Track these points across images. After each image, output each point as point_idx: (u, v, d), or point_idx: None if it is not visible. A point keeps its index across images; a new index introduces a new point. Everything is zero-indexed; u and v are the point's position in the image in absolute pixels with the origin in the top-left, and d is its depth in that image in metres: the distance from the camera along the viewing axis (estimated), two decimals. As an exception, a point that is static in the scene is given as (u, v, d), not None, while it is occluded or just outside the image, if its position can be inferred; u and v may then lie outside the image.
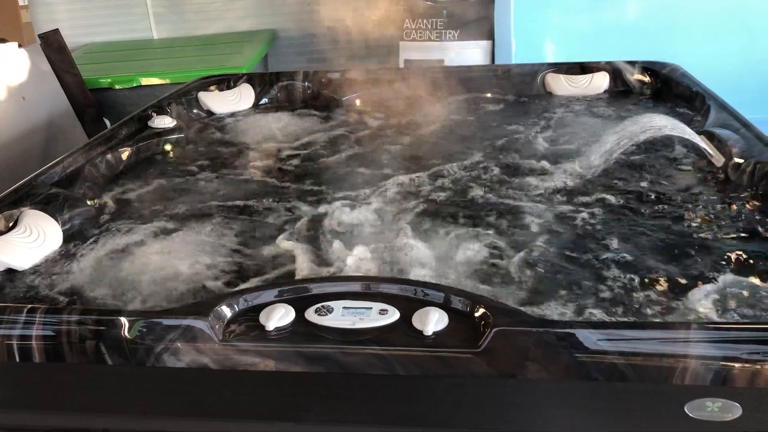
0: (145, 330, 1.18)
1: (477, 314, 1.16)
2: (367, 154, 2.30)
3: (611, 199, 1.79)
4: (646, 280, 1.39)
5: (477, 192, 1.91)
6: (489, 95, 2.87)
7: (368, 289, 1.26)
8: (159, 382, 1.21)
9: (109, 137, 2.34)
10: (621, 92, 2.79)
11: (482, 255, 1.54)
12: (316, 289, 1.27)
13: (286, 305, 1.22)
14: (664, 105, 2.56)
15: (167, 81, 3.63)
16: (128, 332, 1.18)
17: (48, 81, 3.38)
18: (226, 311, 1.22)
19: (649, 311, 1.28)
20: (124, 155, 2.31)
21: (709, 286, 1.32)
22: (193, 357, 1.16)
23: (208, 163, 2.32)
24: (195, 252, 1.64)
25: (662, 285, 1.36)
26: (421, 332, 1.14)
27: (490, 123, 2.56)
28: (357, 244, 1.59)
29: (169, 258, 1.62)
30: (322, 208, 1.86)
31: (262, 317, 1.20)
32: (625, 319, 1.24)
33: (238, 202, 1.95)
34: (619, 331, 1.11)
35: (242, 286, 1.46)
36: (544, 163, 2.08)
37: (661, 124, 2.02)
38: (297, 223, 1.78)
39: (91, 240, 1.76)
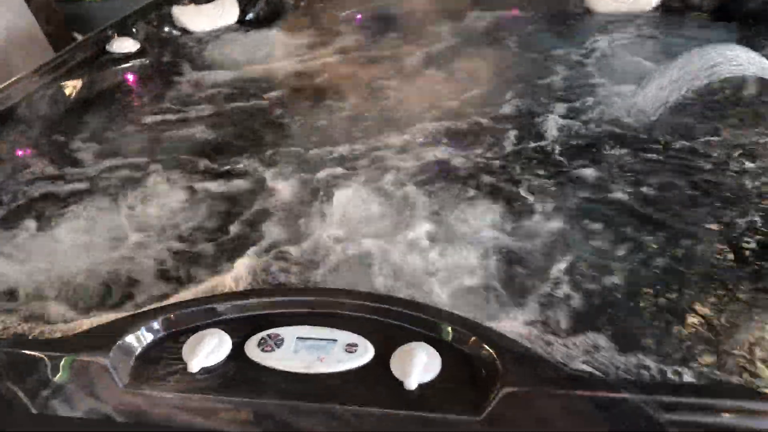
0: (27, 367, 0.86)
1: (481, 357, 0.82)
2: (366, 88, 1.90)
3: (669, 162, 1.40)
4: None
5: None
6: (516, 12, 2.40)
7: (332, 310, 0.91)
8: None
9: (55, 66, 1.96)
10: (675, 9, 2.29)
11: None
12: (262, 307, 0.93)
13: (219, 332, 0.89)
14: (731, 26, 2.07)
15: (148, -12, 3.18)
16: (4, 370, 0.87)
17: (7, -7, 2.96)
18: (135, 342, 0.89)
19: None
20: (73, 89, 1.93)
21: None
22: (91, 405, 0.85)
23: (178, 101, 1.93)
24: (146, 227, 1.34)
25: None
26: (401, 383, 0.81)
27: (515, 48, 2.12)
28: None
29: (108, 236, 1.32)
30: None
31: (186, 351, 0.87)
32: (697, 380, 0.89)
33: (208, 161, 1.60)
34: (689, 399, 0.76)
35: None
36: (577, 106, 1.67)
37: (732, 56, 1.58)
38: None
39: (14, 207, 1.44)
